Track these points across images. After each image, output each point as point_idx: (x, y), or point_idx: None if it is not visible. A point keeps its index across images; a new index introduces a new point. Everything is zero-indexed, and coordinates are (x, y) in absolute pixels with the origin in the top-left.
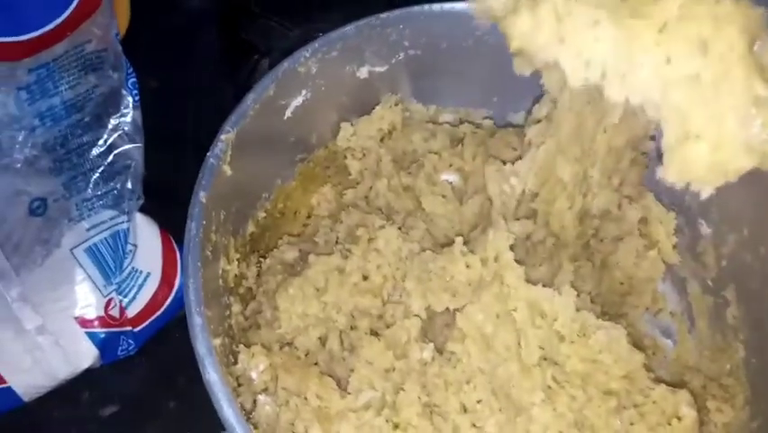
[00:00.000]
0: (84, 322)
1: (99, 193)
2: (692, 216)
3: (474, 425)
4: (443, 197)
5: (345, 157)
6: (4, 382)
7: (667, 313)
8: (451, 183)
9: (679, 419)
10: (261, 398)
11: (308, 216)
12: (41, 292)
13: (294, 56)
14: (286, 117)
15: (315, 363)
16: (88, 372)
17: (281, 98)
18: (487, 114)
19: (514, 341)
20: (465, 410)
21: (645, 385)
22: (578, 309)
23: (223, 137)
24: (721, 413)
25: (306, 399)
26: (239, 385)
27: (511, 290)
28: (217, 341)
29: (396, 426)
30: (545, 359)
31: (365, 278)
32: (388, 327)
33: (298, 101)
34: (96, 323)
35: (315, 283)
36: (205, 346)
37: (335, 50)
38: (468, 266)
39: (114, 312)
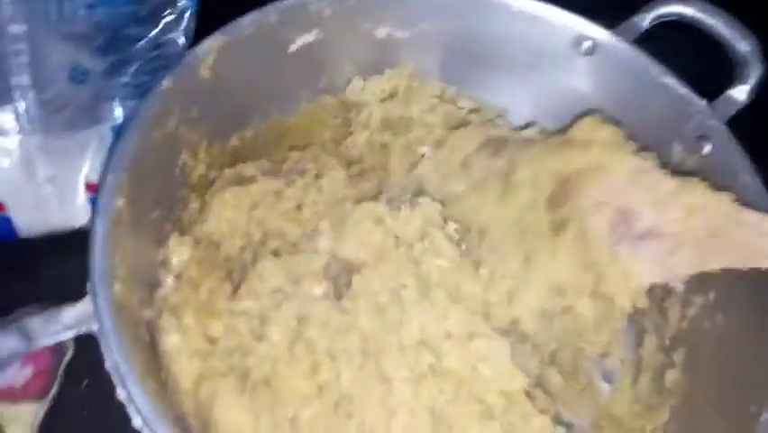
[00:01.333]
0: (89, 187)
1: (137, 82)
2: None
3: (334, 370)
4: (412, 165)
5: (351, 111)
6: (4, 211)
7: (617, 358)
8: (424, 153)
9: None
10: (168, 280)
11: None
12: (62, 152)
13: None
14: (290, 51)
15: (229, 271)
16: None
17: (285, 29)
18: (501, 113)
19: (402, 318)
20: (331, 356)
21: (527, 410)
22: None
23: (207, 41)
24: None
25: (198, 290)
26: (164, 267)
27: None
28: (120, 202)
29: (258, 338)
30: (425, 345)
31: (298, 208)
32: (295, 254)
33: (308, 38)
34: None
35: (253, 198)
36: (105, 206)
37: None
38: (379, 226)
39: None
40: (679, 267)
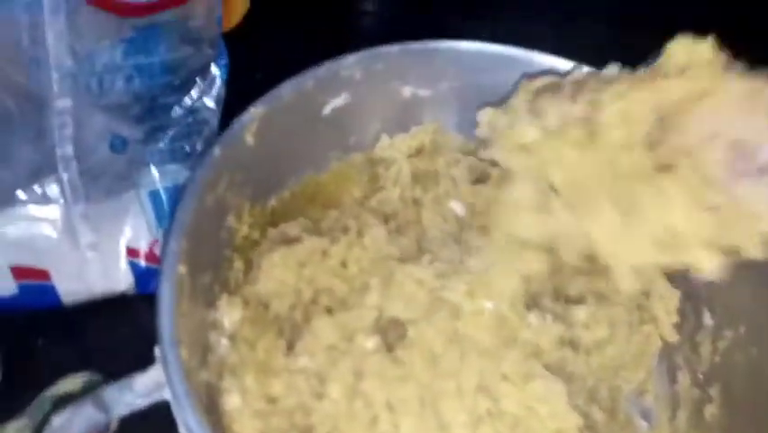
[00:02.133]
0: (130, 252)
1: (173, 147)
2: (699, 305)
3: (392, 421)
4: (444, 218)
5: (379, 167)
6: (50, 280)
7: (652, 396)
8: (455, 214)
9: None
10: (223, 340)
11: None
12: (103, 218)
13: (338, 59)
14: (324, 113)
15: (280, 329)
16: None
17: (320, 94)
18: None
19: (458, 366)
20: (390, 407)
21: None
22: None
23: (251, 109)
24: None
25: (255, 349)
26: (214, 328)
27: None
28: (183, 268)
29: (318, 395)
30: (483, 390)
31: (343, 265)
32: (346, 310)
33: (339, 102)
34: (140, 255)
35: (299, 257)
36: (170, 273)
37: (380, 62)
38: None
39: (157, 251)
40: None
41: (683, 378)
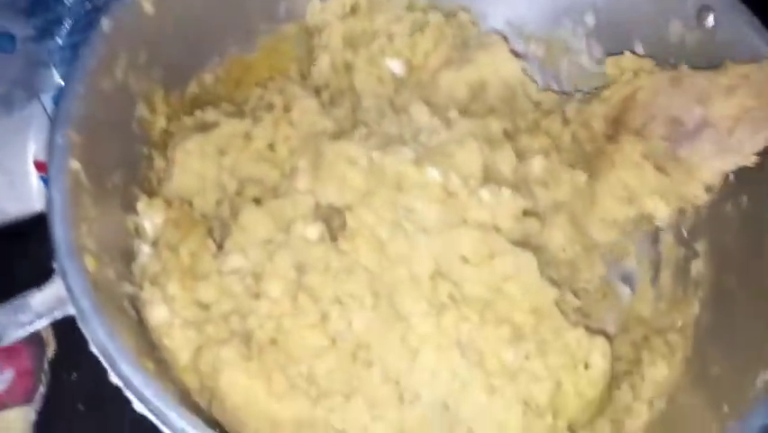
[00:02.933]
0: (40, 166)
1: (73, 42)
2: None
3: (343, 317)
4: (380, 80)
5: (315, 38)
6: None
7: (633, 258)
8: (393, 71)
9: (587, 367)
10: (145, 248)
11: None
12: (4, 133)
13: None
14: None
15: (208, 228)
16: None
17: None
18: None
19: (408, 251)
20: (339, 302)
21: (560, 325)
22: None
23: None
24: (654, 367)
25: (178, 254)
26: (137, 235)
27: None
28: (76, 165)
29: (256, 295)
30: (441, 275)
31: (270, 147)
32: (277, 198)
33: None
34: None
35: (218, 144)
36: (59, 171)
37: None
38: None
39: None
40: (741, 144)
41: (666, 236)
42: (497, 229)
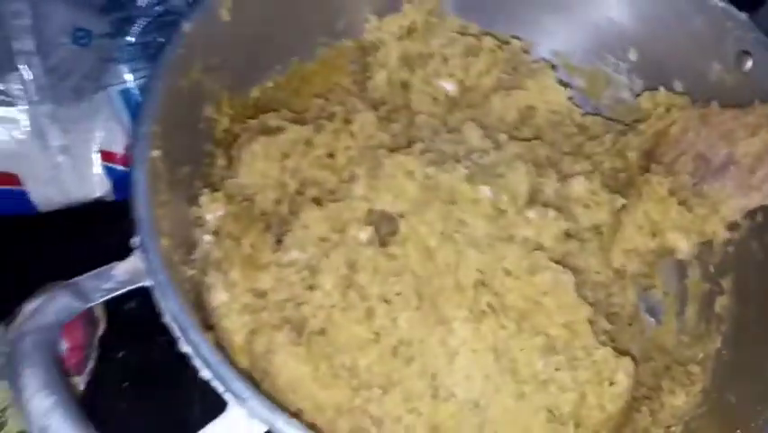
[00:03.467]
0: (105, 155)
1: (143, 41)
2: None
3: (388, 315)
4: (434, 99)
5: (370, 55)
6: (21, 186)
7: (660, 291)
8: (446, 91)
9: (611, 383)
10: (206, 237)
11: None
12: (73, 119)
13: None
14: None
15: (267, 224)
16: None
17: None
18: (526, 47)
19: (455, 261)
20: (386, 301)
21: (590, 343)
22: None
23: None
24: (673, 395)
25: (240, 244)
26: (198, 225)
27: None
28: (156, 153)
29: (310, 287)
30: (484, 285)
31: (330, 156)
32: (335, 202)
33: None
34: (116, 158)
35: (282, 148)
36: (142, 156)
37: None
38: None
39: None
40: (763, 183)
41: (693, 272)
42: (539, 247)
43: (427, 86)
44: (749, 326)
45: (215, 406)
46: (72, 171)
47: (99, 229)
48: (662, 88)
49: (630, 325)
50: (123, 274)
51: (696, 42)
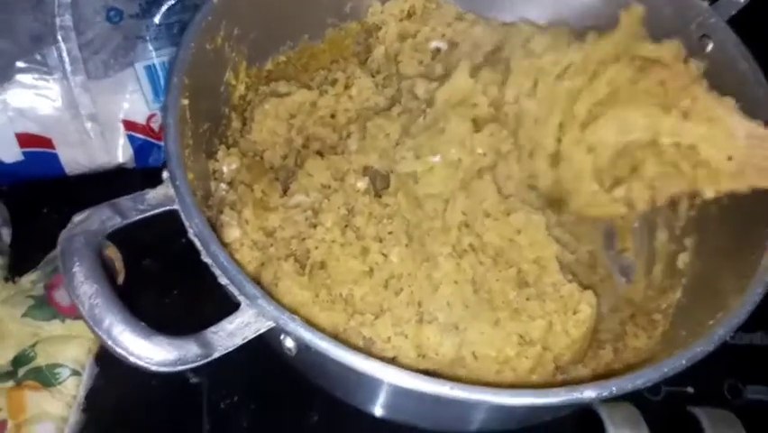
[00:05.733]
0: (128, 125)
1: (168, 22)
2: None
3: (381, 252)
4: (420, 62)
5: (372, 36)
6: (54, 149)
7: (632, 254)
8: (438, 49)
9: (575, 312)
10: (222, 185)
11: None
12: (102, 90)
13: None
14: None
15: (276, 176)
16: None
17: None
18: None
19: (442, 207)
20: (379, 240)
21: (557, 279)
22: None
23: None
24: (636, 338)
25: (252, 190)
26: (214, 178)
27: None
28: (185, 101)
29: (313, 225)
30: (467, 226)
31: (332, 116)
32: (335, 155)
33: None
34: (138, 128)
35: (290, 109)
36: (174, 101)
37: None
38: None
39: (155, 125)
40: None
41: (661, 235)
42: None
43: (416, 52)
44: (703, 277)
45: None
46: (99, 138)
47: (121, 193)
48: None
49: (602, 281)
50: (155, 198)
51: (663, 27)
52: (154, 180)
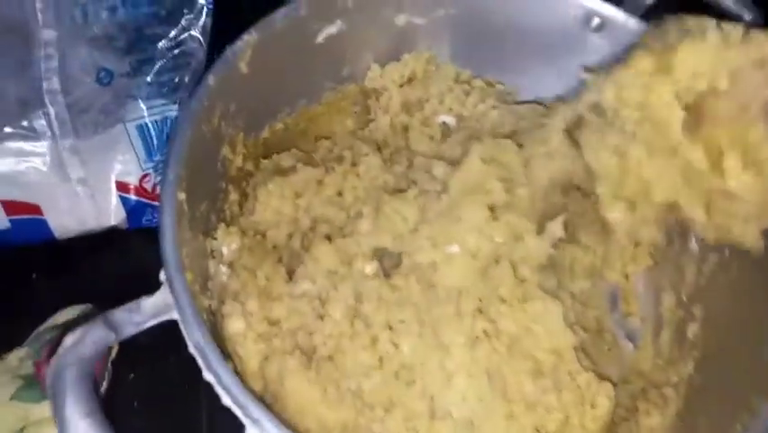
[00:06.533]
0: (120, 186)
1: (160, 80)
2: (686, 230)
3: (392, 341)
4: (431, 138)
5: (371, 99)
6: (42, 215)
7: (638, 318)
8: (446, 124)
9: (593, 406)
10: (222, 268)
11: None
12: (92, 152)
13: None
14: (317, 41)
15: (279, 257)
16: None
17: (314, 21)
18: (512, 91)
19: (456, 292)
20: (390, 328)
21: (574, 368)
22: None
23: (245, 37)
24: (648, 416)
25: (255, 276)
26: (212, 257)
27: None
28: (182, 196)
29: (321, 317)
30: (481, 312)
31: (339, 194)
32: (343, 237)
33: (332, 30)
34: (130, 189)
35: (295, 187)
36: (170, 200)
37: None
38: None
39: (148, 186)
40: None
41: (668, 300)
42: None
43: (425, 126)
44: (717, 354)
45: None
46: (90, 202)
47: (113, 256)
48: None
49: (610, 350)
50: (152, 308)
51: None
52: (147, 242)
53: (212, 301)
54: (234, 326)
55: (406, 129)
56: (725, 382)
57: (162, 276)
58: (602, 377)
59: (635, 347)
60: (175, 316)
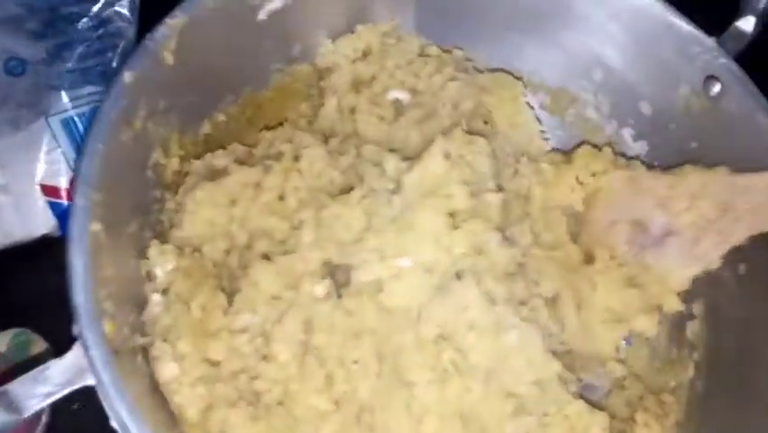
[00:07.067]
0: (48, 190)
1: (84, 66)
2: None
3: (348, 382)
4: (381, 119)
5: (324, 78)
6: None
7: None
8: (399, 101)
9: None
10: (155, 297)
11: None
12: (11, 154)
13: None
14: (259, 19)
15: (218, 278)
16: None
17: None
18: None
19: (414, 315)
20: (345, 366)
21: (561, 397)
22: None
23: (168, 21)
24: (647, 428)
25: (189, 308)
26: (149, 279)
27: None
28: (96, 226)
29: (264, 357)
30: (445, 339)
31: (280, 198)
32: (286, 253)
33: (276, 5)
34: (60, 193)
35: (228, 193)
36: (80, 238)
37: None
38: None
39: None
40: (707, 253)
41: None
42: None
43: (374, 106)
44: (723, 357)
45: None
46: (13, 211)
47: (46, 269)
48: (585, 145)
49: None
50: (62, 374)
51: (663, 66)
52: None
53: (148, 338)
54: (166, 371)
55: (353, 111)
56: (731, 393)
57: (75, 329)
58: (594, 405)
59: (628, 343)
60: (91, 381)
